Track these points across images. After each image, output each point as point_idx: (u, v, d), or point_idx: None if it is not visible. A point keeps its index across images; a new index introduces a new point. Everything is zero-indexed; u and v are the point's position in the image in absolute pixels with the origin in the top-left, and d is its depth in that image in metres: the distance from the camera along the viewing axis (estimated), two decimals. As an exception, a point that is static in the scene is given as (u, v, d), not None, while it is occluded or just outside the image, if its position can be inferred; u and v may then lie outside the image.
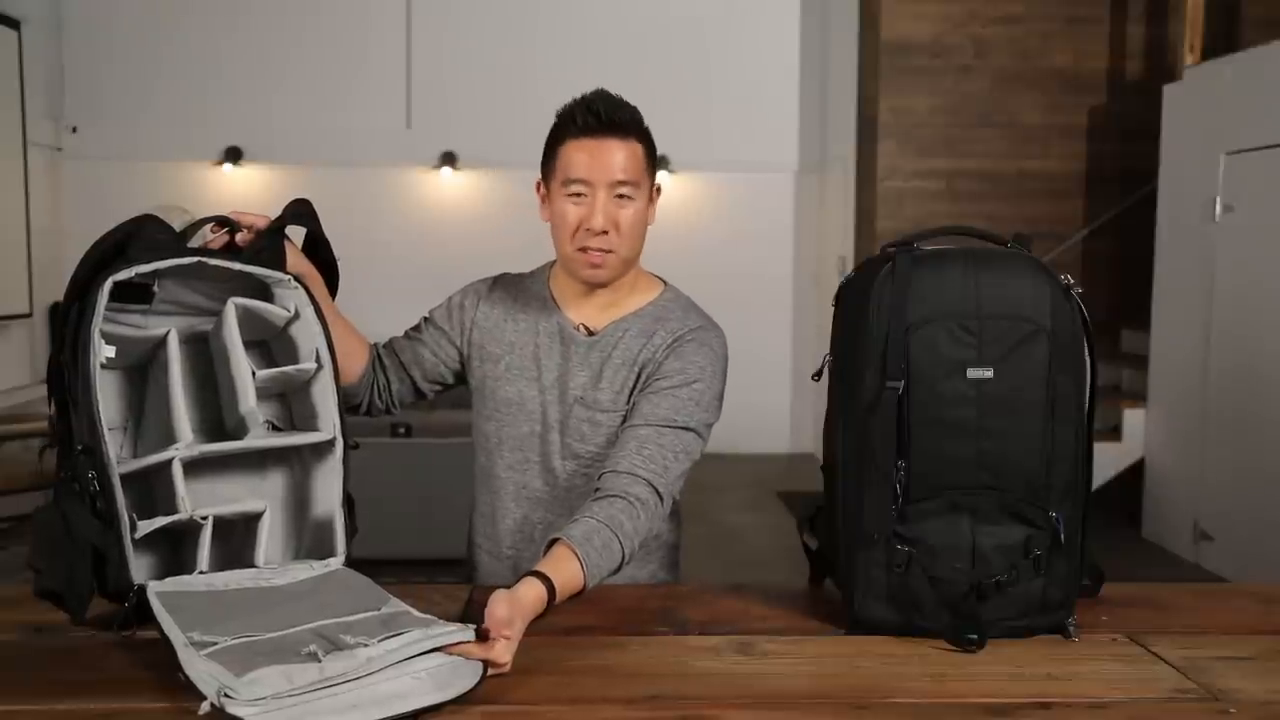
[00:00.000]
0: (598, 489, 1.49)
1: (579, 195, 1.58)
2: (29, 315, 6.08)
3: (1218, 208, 4.54)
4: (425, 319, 1.78)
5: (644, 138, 1.60)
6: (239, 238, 1.49)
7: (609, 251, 1.58)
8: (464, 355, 1.74)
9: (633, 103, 1.62)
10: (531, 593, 1.28)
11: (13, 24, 6.06)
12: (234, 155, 6.79)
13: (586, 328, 1.67)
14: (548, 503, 1.66)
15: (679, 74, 6.94)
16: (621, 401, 1.62)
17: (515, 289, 1.74)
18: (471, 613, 1.42)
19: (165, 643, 1.15)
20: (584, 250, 1.58)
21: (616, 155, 1.56)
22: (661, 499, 1.51)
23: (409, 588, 1.51)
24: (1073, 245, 6.00)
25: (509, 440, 1.68)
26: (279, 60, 6.88)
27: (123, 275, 1.32)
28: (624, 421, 1.61)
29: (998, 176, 6.03)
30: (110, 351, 1.32)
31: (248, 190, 6.83)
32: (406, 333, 1.78)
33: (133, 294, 1.38)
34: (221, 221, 1.49)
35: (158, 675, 1.21)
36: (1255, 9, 5.63)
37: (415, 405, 1.82)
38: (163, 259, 1.35)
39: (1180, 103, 4.94)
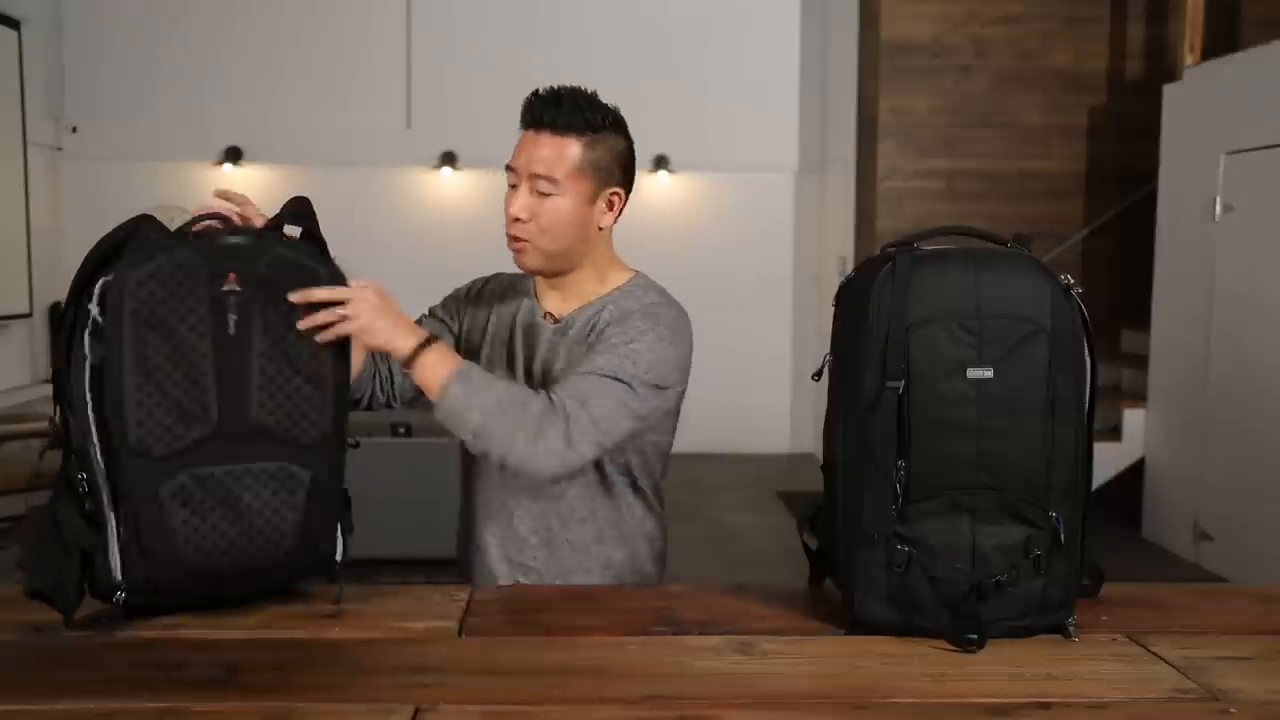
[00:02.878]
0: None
1: (512, 185, 1.63)
2: (29, 315, 6.09)
3: (1218, 208, 4.54)
4: (428, 313, 1.81)
5: (590, 139, 1.59)
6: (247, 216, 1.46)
7: (524, 240, 1.62)
8: (458, 347, 1.77)
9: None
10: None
11: (13, 24, 6.06)
12: (234, 155, 6.79)
13: (552, 315, 1.69)
14: (523, 490, 1.67)
15: (679, 74, 6.94)
16: None
17: (505, 284, 1.78)
18: (471, 613, 1.42)
19: None
20: (512, 236, 1.63)
21: (542, 148, 1.59)
22: (568, 417, 1.49)
23: (409, 587, 1.52)
24: (1073, 245, 6.00)
25: None
26: (279, 60, 6.88)
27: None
28: None
29: (998, 176, 6.03)
30: (101, 351, 1.30)
31: (248, 190, 6.67)
32: None
33: None
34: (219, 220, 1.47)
35: (158, 675, 1.21)
36: (1255, 9, 5.63)
37: (413, 405, 1.82)
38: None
39: (1180, 103, 4.94)
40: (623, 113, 1.68)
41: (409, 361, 1.47)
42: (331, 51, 6.92)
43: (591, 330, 1.63)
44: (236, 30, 6.86)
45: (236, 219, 1.43)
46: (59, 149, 6.77)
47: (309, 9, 6.90)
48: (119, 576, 1.30)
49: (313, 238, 1.53)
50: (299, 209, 1.50)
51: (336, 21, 6.92)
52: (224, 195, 1.48)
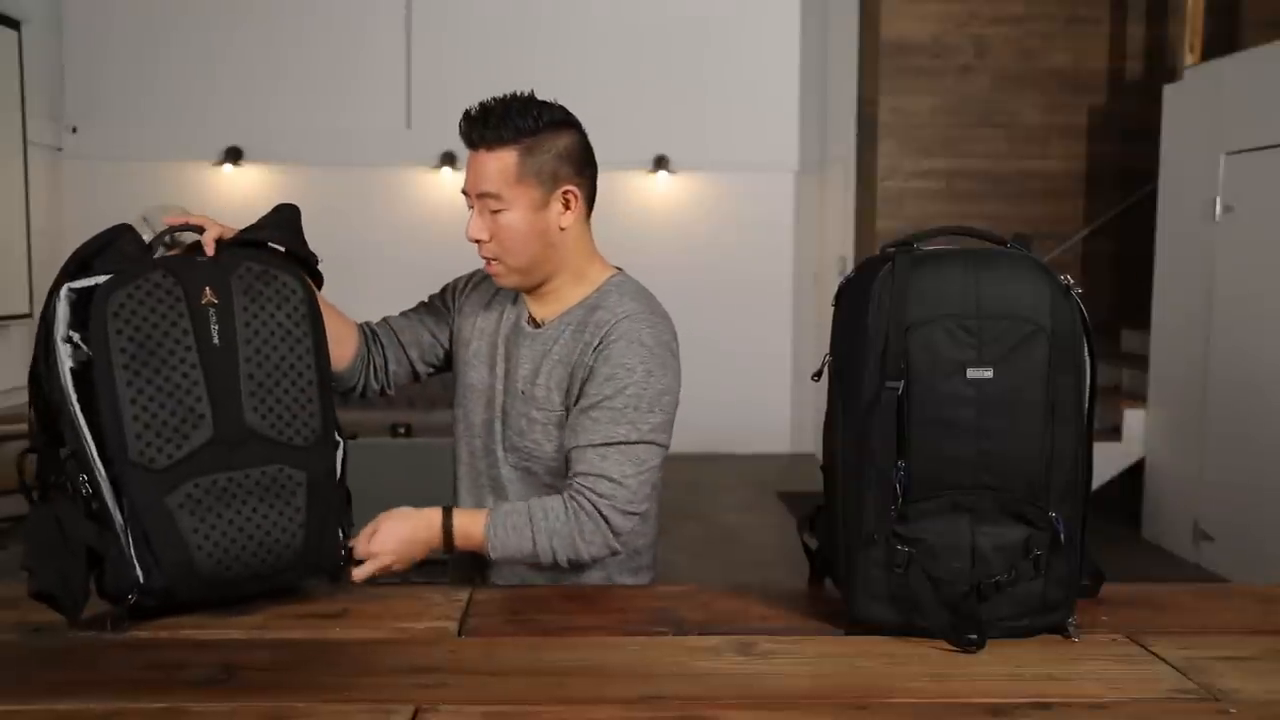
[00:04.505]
0: (567, 481, 1.58)
1: (470, 207, 1.63)
2: (29, 315, 6.09)
3: (1218, 208, 4.54)
4: (425, 301, 1.82)
5: (527, 145, 1.57)
6: (206, 240, 1.43)
7: (493, 260, 1.62)
8: (452, 337, 1.78)
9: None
10: (427, 511, 1.55)
11: (13, 24, 6.06)
12: (234, 155, 6.80)
13: (534, 320, 1.69)
14: (501, 492, 1.68)
15: (679, 74, 6.94)
16: (555, 400, 1.62)
17: None
18: (471, 613, 1.43)
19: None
20: (484, 259, 1.64)
21: (482, 167, 1.58)
22: (604, 517, 1.53)
23: (409, 588, 1.52)
24: (1073, 245, 6.00)
25: (472, 426, 1.72)
26: (279, 60, 6.88)
27: (79, 284, 1.32)
28: (562, 427, 1.62)
29: (998, 176, 6.03)
30: (83, 356, 1.30)
31: (248, 190, 6.84)
32: (404, 313, 1.81)
33: None
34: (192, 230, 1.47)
35: (158, 675, 1.21)
36: (1255, 9, 5.63)
37: (414, 406, 1.83)
38: (122, 269, 1.33)
39: (1180, 103, 4.94)
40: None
41: (448, 550, 1.57)
42: (331, 51, 6.92)
43: (577, 362, 1.61)
44: (236, 30, 6.86)
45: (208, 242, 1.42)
46: (59, 149, 6.77)
47: (309, 9, 6.90)
48: (138, 578, 1.31)
49: (295, 256, 1.49)
50: (285, 224, 1.49)
51: (336, 21, 6.92)
52: (201, 221, 1.45)
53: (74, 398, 1.31)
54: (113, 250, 1.35)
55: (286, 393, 1.40)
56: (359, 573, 1.49)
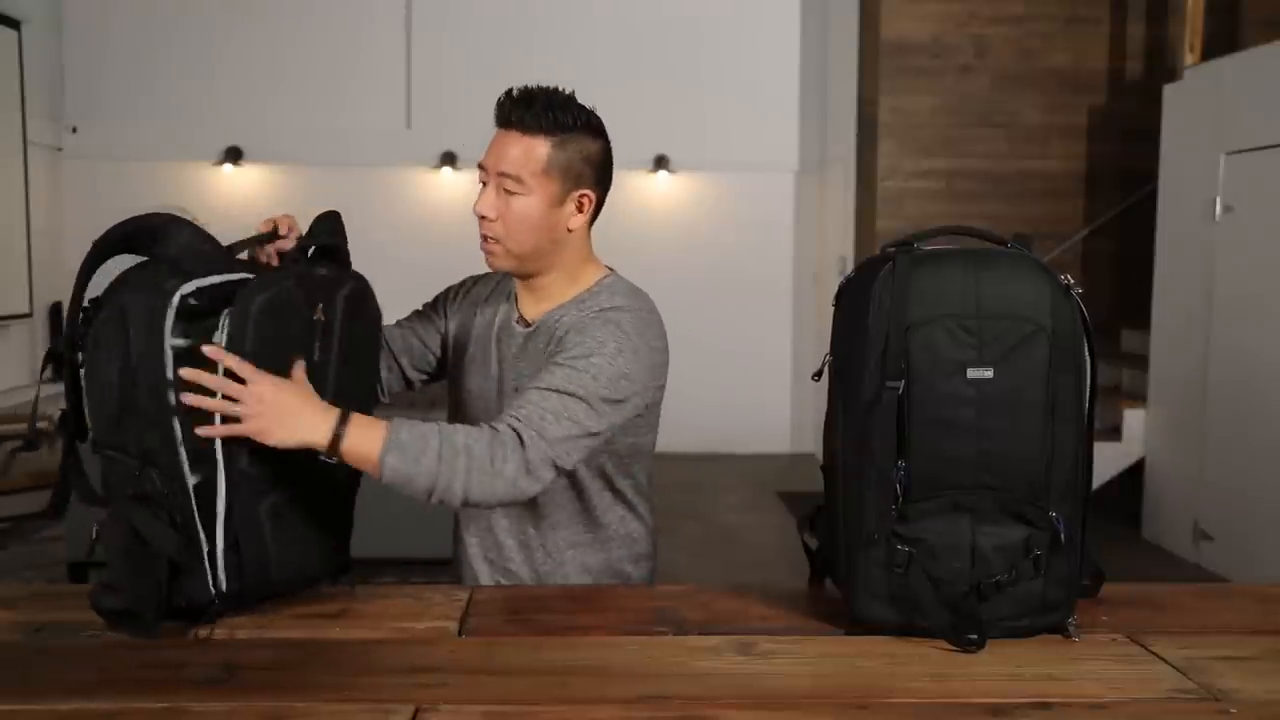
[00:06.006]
0: None
1: (482, 183, 1.61)
2: (29, 315, 6.09)
3: (1218, 208, 4.54)
4: (418, 310, 1.82)
5: (559, 140, 1.56)
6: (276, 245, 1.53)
7: (493, 239, 1.60)
8: (445, 344, 1.78)
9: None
10: (330, 407, 1.35)
11: (13, 24, 6.06)
12: (234, 155, 6.79)
13: (525, 319, 1.68)
14: None
15: (679, 74, 6.94)
16: None
17: (492, 284, 1.77)
18: (471, 613, 1.43)
19: None
20: (482, 236, 1.62)
21: (510, 148, 1.57)
22: (524, 444, 1.42)
23: (409, 587, 1.52)
24: (1073, 245, 6.00)
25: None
26: (279, 60, 6.88)
27: (189, 288, 1.28)
28: None
29: (998, 176, 6.03)
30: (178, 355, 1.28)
31: (248, 190, 6.83)
32: (398, 322, 1.81)
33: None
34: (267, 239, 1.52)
35: (159, 675, 1.21)
36: (1255, 9, 5.63)
37: (414, 406, 1.83)
38: (218, 273, 1.31)
39: (1180, 103, 4.94)
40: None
41: (330, 450, 1.33)
42: (331, 51, 6.92)
43: (552, 339, 1.60)
44: (236, 30, 6.86)
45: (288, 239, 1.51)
46: (59, 149, 6.77)
47: (309, 9, 6.90)
48: (222, 586, 1.32)
49: (337, 254, 1.52)
50: (332, 229, 1.53)
51: (336, 21, 6.92)
52: (280, 221, 1.54)
53: (176, 408, 1.28)
54: (188, 248, 1.32)
55: (353, 405, 1.41)
56: (211, 430, 1.28)
